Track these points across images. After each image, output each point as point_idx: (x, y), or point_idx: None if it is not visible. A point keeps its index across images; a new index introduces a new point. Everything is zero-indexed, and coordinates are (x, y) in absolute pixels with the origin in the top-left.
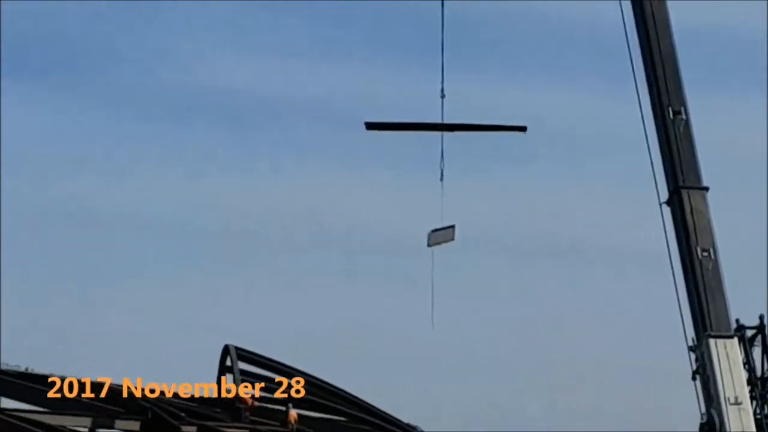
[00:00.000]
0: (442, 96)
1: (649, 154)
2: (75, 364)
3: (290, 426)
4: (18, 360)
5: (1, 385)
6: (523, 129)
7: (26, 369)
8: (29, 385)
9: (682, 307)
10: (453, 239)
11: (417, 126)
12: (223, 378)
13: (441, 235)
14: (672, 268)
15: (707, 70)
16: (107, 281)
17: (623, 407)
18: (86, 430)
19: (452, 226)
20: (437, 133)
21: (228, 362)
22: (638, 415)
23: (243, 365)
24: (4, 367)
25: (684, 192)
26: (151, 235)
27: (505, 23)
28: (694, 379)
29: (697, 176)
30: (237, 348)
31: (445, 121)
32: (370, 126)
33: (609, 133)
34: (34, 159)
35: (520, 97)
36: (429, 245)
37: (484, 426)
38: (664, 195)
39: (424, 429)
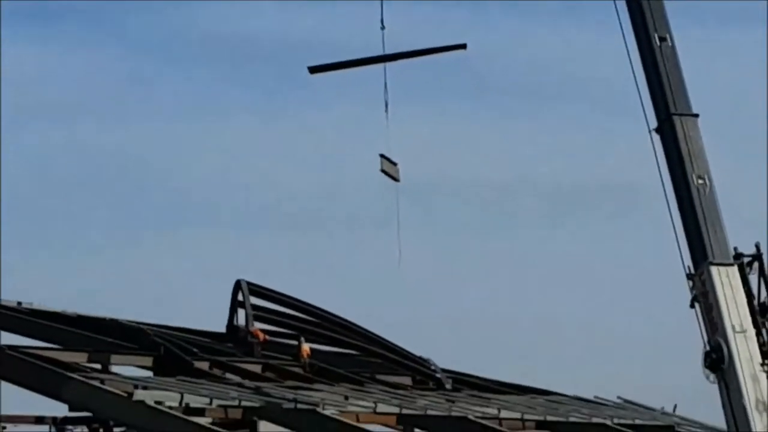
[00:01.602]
0: (382, 28)
1: (635, 81)
2: (93, 303)
3: (303, 360)
4: (30, 298)
5: (12, 322)
6: (463, 47)
7: (30, 304)
8: (41, 322)
9: (678, 236)
10: (398, 180)
11: (359, 62)
12: (234, 314)
13: (388, 165)
14: (666, 196)
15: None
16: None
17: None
18: (99, 366)
19: (396, 164)
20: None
21: (240, 297)
22: (638, 346)
23: (255, 300)
24: (14, 304)
25: (676, 119)
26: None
27: None
28: (692, 306)
29: (688, 103)
30: (249, 283)
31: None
32: (314, 69)
33: (577, 68)
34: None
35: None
36: (381, 169)
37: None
38: (653, 125)
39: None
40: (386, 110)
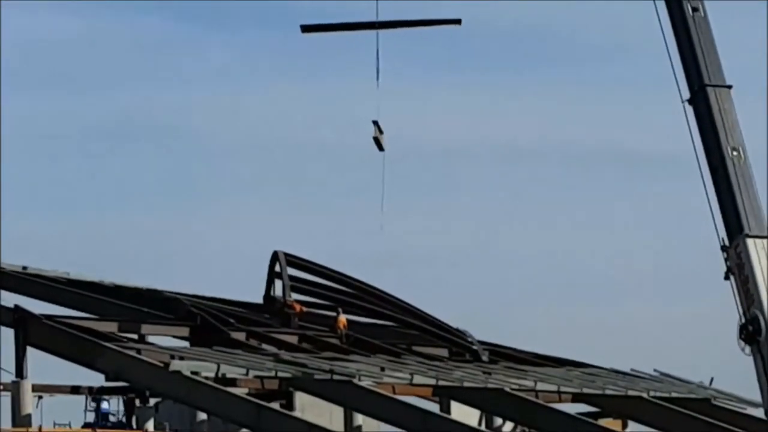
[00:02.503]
0: None
1: (668, 52)
2: (130, 272)
3: (339, 331)
4: (67, 267)
5: (50, 291)
6: (457, 22)
7: (68, 274)
8: (78, 291)
9: (712, 207)
10: (383, 150)
11: (351, 26)
12: (272, 284)
13: (378, 133)
14: (700, 168)
15: None
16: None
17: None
18: (135, 336)
19: (383, 134)
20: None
21: (277, 268)
22: (672, 318)
23: (292, 271)
24: (53, 274)
25: (710, 90)
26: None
27: None
28: (727, 278)
29: (721, 74)
30: (286, 254)
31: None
32: (307, 29)
33: (611, 37)
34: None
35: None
36: (373, 136)
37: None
38: (685, 95)
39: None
40: (377, 77)
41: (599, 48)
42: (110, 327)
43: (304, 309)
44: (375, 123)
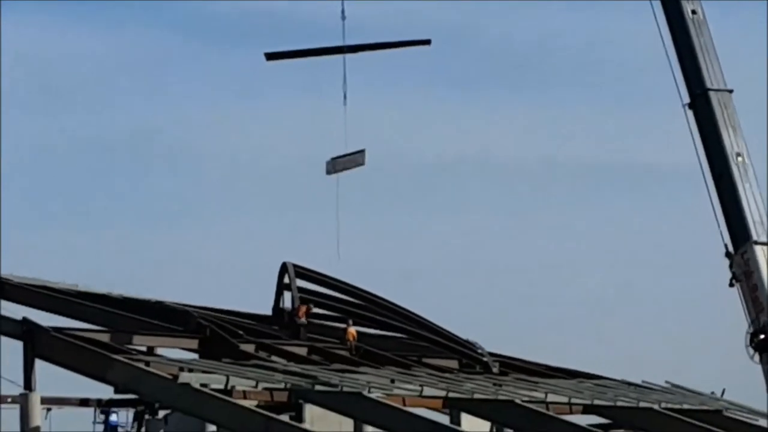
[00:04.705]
0: (343, 18)
1: (667, 56)
2: (137, 284)
3: (349, 343)
4: (76, 279)
5: (59, 303)
6: (427, 42)
7: (76, 286)
8: (86, 303)
9: (717, 214)
10: (363, 164)
11: (318, 51)
12: (281, 296)
13: (346, 161)
14: (703, 174)
15: None
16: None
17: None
18: (144, 348)
19: (362, 151)
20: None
21: (286, 280)
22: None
23: (301, 283)
24: (61, 286)
25: (712, 94)
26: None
27: None
28: (732, 285)
29: (722, 78)
30: (295, 265)
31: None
32: (271, 56)
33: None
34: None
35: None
36: (328, 173)
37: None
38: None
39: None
40: (345, 102)
41: (597, 60)
42: (119, 339)
43: (312, 307)
44: (333, 159)
